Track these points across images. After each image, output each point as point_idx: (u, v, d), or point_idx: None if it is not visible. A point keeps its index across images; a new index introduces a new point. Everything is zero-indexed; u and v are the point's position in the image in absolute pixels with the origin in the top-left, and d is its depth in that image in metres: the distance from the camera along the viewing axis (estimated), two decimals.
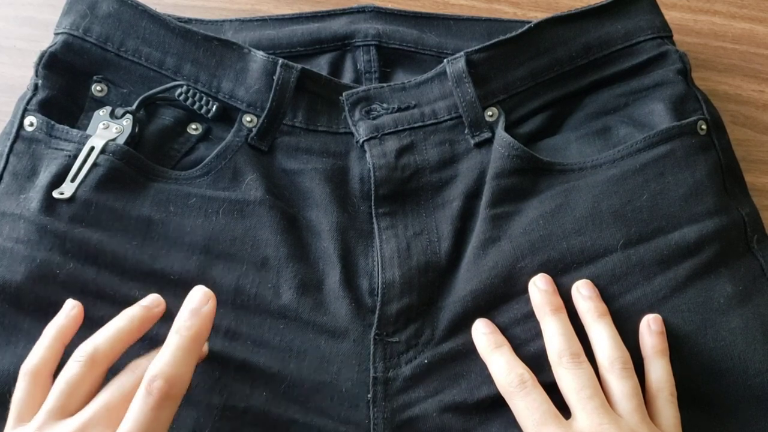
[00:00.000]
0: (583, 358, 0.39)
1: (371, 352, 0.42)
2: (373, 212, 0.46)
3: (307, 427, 0.41)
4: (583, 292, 0.42)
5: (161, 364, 0.35)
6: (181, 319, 0.37)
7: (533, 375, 0.39)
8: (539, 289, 0.42)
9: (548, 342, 0.40)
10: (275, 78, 0.47)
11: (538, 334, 0.42)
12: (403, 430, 0.41)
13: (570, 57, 0.49)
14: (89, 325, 0.40)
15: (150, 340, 0.40)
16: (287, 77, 0.47)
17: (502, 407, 0.40)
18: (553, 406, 0.38)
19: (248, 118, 0.48)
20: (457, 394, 0.41)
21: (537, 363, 0.41)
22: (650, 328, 0.41)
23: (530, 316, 0.42)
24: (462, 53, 0.48)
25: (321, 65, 0.52)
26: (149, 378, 0.34)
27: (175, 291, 0.42)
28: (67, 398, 0.35)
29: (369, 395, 0.41)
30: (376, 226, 0.46)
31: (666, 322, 0.41)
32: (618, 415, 0.38)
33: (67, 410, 0.35)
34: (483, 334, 0.42)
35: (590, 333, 0.41)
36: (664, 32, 0.51)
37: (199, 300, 0.37)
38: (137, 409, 0.34)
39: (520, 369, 0.39)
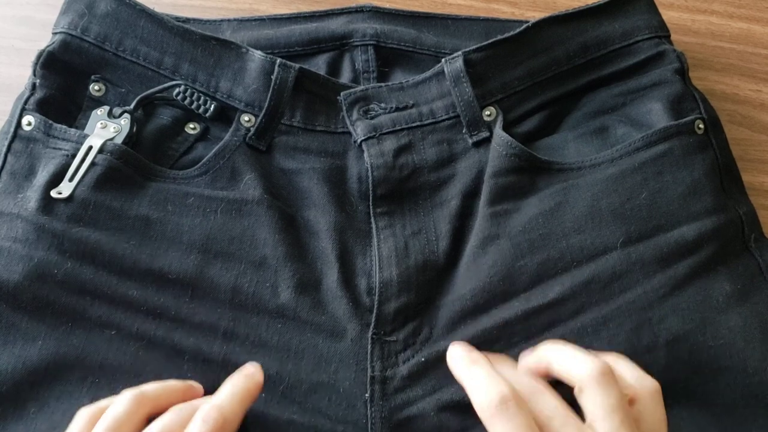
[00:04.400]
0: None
1: (369, 352, 0.42)
2: (371, 212, 0.46)
3: (305, 427, 0.40)
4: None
5: (221, 399, 0.36)
6: (246, 369, 0.39)
7: (516, 395, 0.34)
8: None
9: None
10: (273, 77, 0.47)
11: (538, 332, 0.42)
12: (401, 429, 0.41)
13: (568, 56, 0.49)
14: (87, 325, 0.41)
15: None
16: (285, 77, 0.47)
17: None
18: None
19: (246, 118, 0.48)
20: (454, 393, 0.41)
21: None
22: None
23: (531, 314, 0.42)
24: (460, 53, 0.48)
25: (319, 65, 0.52)
26: (208, 408, 0.35)
27: (173, 290, 0.42)
28: None
29: (367, 394, 0.41)
30: (374, 225, 0.46)
31: (666, 320, 0.41)
32: None
33: None
34: (458, 353, 0.38)
35: (551, 368, 0.36)
36: (662, 32, 0.51)
37: (251, 370, 0.39)
38: None
39: (501, 386, 0.34)
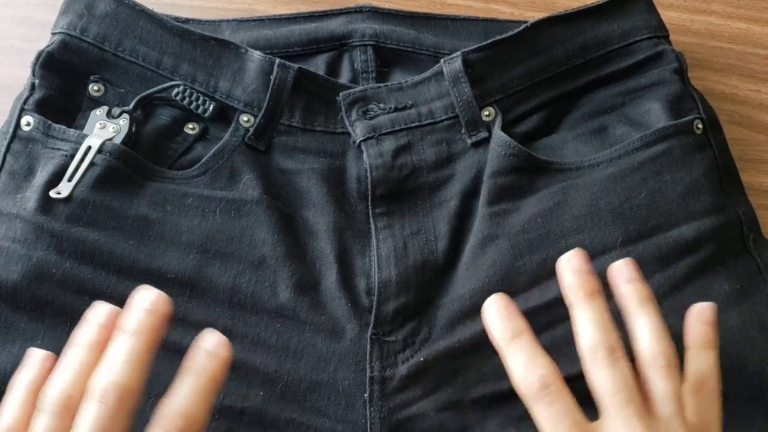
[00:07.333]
0: (620, 353, 0.35)
1: (368, 352, 0.42)
2: (370, 212, 0.46)
3: (304, 426, 0.40)
4: (624, 273, 0.37)
5: (179, 404, 0.32)
6: (198, 359, 0.33)
7: (558, 373, 0.35)
8: (572, 269, 0.37)
9: (580, 333, 0.36)
10: (272, 78, 0.47)
11: (537, 332, 0.41)
12: (400, 430, 0.41)
13: (567, 56, 0.49)
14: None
15: None
16: (284, 77, 0.47)
17: (500, 404, 0.40)
18: (580, 416, 0.34)
19: (245, 118, 0.48)
20: (453, 393, 0.41)
21: None
22: (702, 317, 0.37)
23: (530, 314, 0.42)
24: (459, 53, 0.48)
25: (318, 65, 0.52)
26: (166, 416, 0.31)
27: (172, 290, 0.42)
28: None
29: (366, 394, 0.41)
30: (372, 225, 0.46)
31: (665, 320, 0.41)
32: (655, 418, 0.34)
33: None
34: (497, 317, 0.37)
35: (631, 321, 0.36)
36: (661, 32, 0.51)
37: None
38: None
39: (542, 369, 0.34)
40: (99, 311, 0.34)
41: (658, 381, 0.35)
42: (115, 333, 0.32)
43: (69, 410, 0.31)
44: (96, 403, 0.30)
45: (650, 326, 0.36)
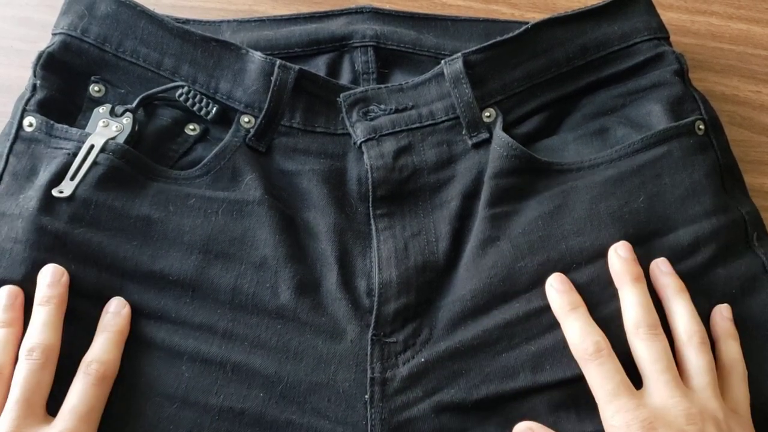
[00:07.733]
0: (660, 330, 0.40)
1: (369, 353, 0.42)
2: (371, 213, 0.46)
3: (304, 428, 0.40)
4: (662, 268, 0.42)
5: (96, 351, 0.40)
6: (106, 319, 0.41)
7: (608, 342, 0.40)
8: (620, 256, 0.42)
9: (626, 312, 0.41)
10: (273, 79, 0.47)
11: (538, 333, 0.42)
12: (401, 431, 0.41)
13: (567, 58, 0.49)
14: (88, 327, 0.41)
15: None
16: (285, 78, 0.47)
17: (500, 406, 0.40)
18: (627, 378, 0.39)
19: (246, 119, 0.48)
20: (455, 394, 0.41)
21: (538, 362, 0.41)
22: (722, 314, 0.42)
23: (531, 315, 0.42)
24: (459, 54, 0.48)
25: (319, 66, 0.52)
26: (86, 363, 0.39)
27: (174, 292, 0.42)
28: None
29: (366, 396, 0.41)
30: (373, 227, 0.46)
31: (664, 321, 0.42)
32: (690, 388, 0.39)
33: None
34: (558, 292, 0.42)
35: (669, 307, 0.42)
36: (661, 33, 0.51)
37: (116, 305, 0.41)
38: (78, 387, 0.38)
39: (596, 336, 0.40)
40: (1, 295, 0.40)
41: (694, 356, 0.40)
42: (34, 307, 0.40)
43: (3, 376, 0.38)
44: (25, 361, 0.38)
45: (686, 311, 0.41)
